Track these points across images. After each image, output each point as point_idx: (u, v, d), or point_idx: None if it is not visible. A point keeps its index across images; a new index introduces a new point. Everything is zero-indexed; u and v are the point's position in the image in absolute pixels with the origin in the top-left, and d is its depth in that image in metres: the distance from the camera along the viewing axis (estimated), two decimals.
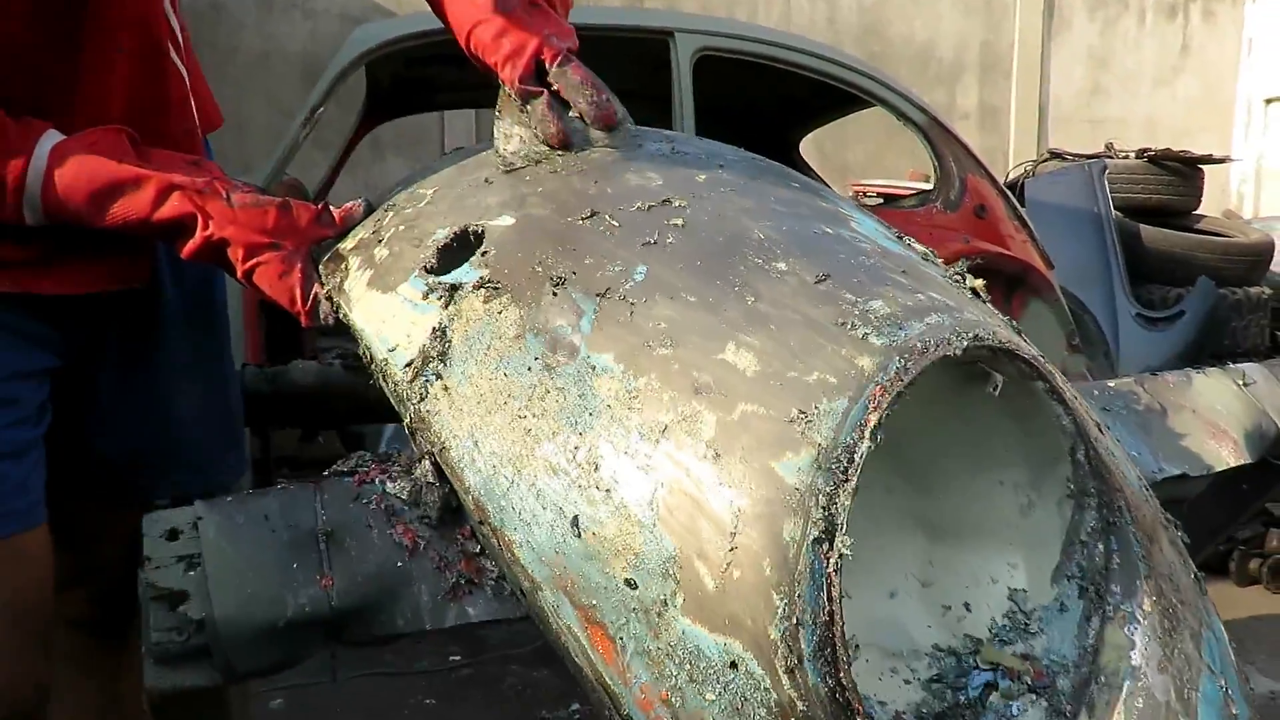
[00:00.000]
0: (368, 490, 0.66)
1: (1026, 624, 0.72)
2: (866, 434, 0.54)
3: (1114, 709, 0.67)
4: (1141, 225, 5.04)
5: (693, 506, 0.55)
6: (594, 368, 0.62)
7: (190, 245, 0.90)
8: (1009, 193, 3.40)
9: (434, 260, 0.78)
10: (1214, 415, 0.97)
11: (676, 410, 0.58)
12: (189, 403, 1.18)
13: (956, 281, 0.79)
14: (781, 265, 0.65)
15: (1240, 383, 1.03)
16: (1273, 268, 5.30)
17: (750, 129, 3.89)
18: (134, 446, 1.13)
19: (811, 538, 0.52)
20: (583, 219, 0.73)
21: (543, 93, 0.91)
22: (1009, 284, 3.40)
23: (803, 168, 3.98)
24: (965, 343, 0.60)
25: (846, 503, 0.53)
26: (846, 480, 0.53)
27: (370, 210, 0.96)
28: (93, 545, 1.15)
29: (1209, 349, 4.75)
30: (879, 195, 7.21)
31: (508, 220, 0.77)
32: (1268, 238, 5.31)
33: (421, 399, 0.68)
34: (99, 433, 1.10)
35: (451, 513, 0.66)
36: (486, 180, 0.87)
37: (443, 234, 0.80)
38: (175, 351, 1.15)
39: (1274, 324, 5.16)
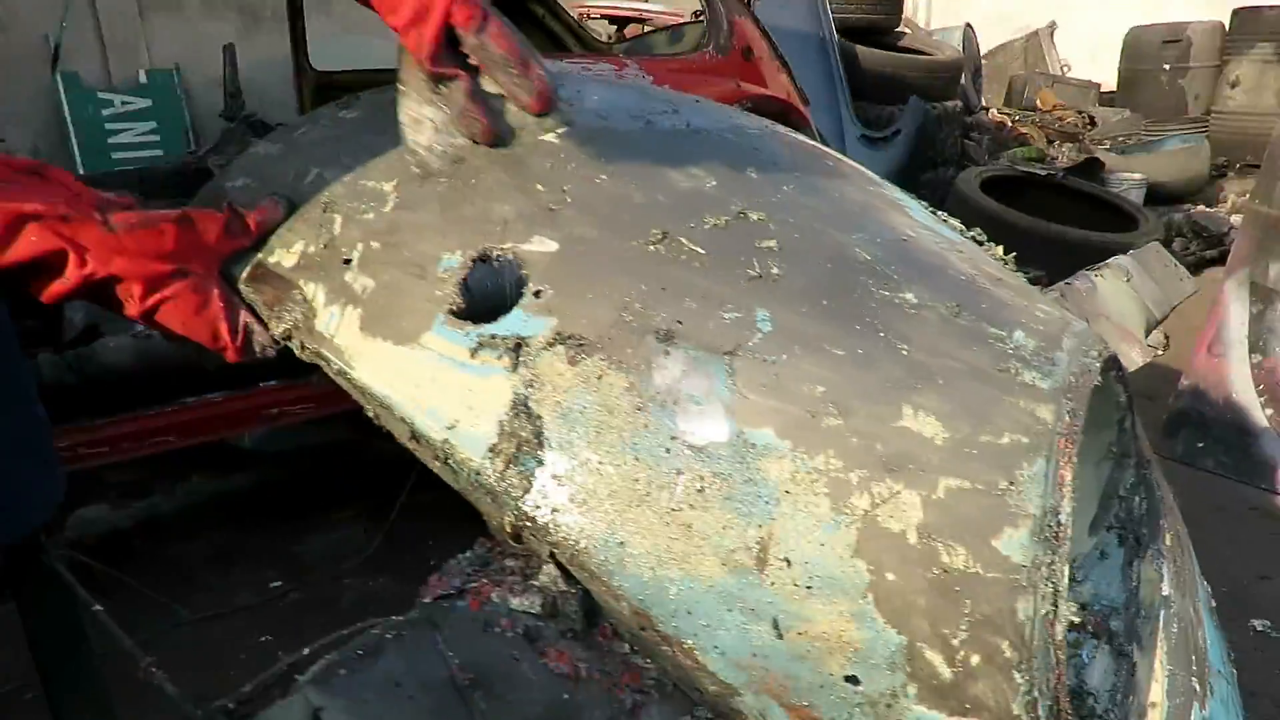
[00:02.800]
0: (491, 613, 0.56)
1: (1073, 574, 0.79)
2: (1067, 493, 0.54)
3: (1156, 637, 0.76)
4: (858, 46, 5.36)
5: (915, 594, 0.53)
6: (754, 446, 0.56)
7: (59, 288, 0.68)
8: (769, 33, 3.43)
9: (460, 300, 0.64)
10: (1121, 319, 1.09)
11: (872, 491, 0.54)
12: None
13: (984, 247, 0.79)
14: (909, 296, 0.61)
15: (1126, 280, 1.15)
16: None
17: None
18: None
19: (1042, 613, 0.52)
20: (653, 244, 0.63)
21: (460, 77, 0.73)
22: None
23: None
24: (1101, 366, 0.61)
25: (1064, 568, 0.53)
26: (1061, 545, 0.53)
27: (292, 209, 0.77)
28: None
29: (918, 162, 5.28)
30: (604, 16, 6.99)
31: (549, 244, 0.65)
32: (959, 53, 5.87)
33: (525, 492, 0.58)
34: None
35: (591, 615, 0.58)
36: (474, 175, 0.71)
37: (455, 261, 0.66)
38: None
39: (963, 134, 5.82)
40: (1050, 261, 4.23)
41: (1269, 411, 2.80)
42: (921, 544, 0.53)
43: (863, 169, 0.78)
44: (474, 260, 0.66)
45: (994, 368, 0.58)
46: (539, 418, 0.59)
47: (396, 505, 2.79)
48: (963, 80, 6.10)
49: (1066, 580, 0.53)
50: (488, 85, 0.75)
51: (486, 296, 0.64)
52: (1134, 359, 1.07)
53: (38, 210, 0.65)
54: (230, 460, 2.88)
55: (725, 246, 0.63)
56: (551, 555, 0.58)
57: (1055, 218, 4.52)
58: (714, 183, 0.68)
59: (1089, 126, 7.25)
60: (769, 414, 0.56)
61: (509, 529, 0.60)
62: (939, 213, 0.79)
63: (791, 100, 3.48)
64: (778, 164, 0.72)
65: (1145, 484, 0.78)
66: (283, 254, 0.74)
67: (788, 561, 0.54)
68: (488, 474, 0.59)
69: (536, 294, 0.63)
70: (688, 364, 0.58)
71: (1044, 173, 4.98)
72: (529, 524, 0.58)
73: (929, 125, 5.19)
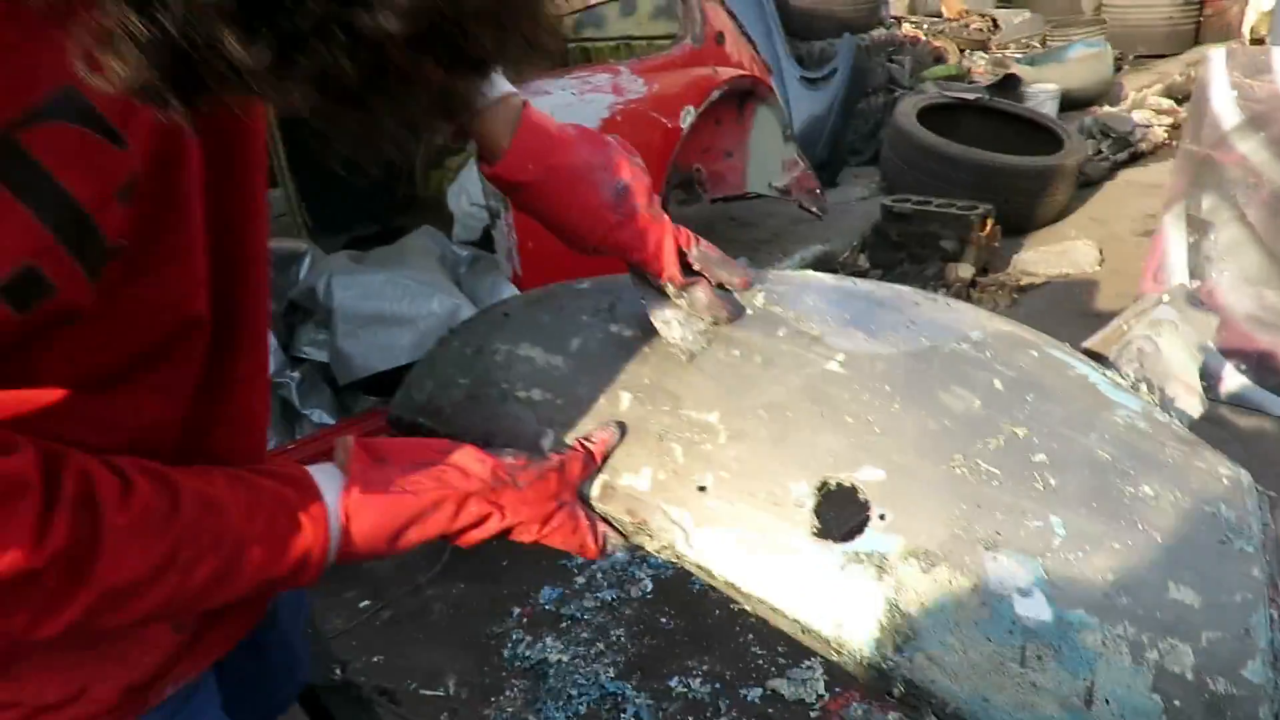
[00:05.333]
0: None
1: None
2: (1278, 627, 0.81)
3: None
4: None
5: (1194, 714, 0.80)
6: (1071, 623, 0.81)
7: (479, 536, 0.88)
8: (732, 10, 3.55)
9: (818, 524, 0.87)
10: (1183, 373, 1.37)
11: (1159, 647, 0.80)
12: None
13: (1137, 389, 1.05)
14: (1147, 489, 0.86)
15: (1176, 332, 1.43)
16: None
17: None
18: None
19: (1274, 713, 0.80)
20: (958, 468, 0.86)
21: (700, 282, 1.01)
22: (742, 98, 3.67)
23: None
24: (1270, 512, 0.88)
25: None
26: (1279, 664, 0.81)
27: (623, 432, 0.97)
28: None
29: (853, 96, 5.50)
30: None
31: (877, 473, 0.87)
32: None
33: (909, 671, 0.82)
34: None
35: None
36: (788, 409, 0.92)
37: (804, 489, 0.88)
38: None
39: (887, 58, 6.05)
40: (988, 188, 4.56)
41: None
42: (1195, 679, 0.80)
43: (1056, 349, 1.02)
44: (819, 489, 0.88)
45: (1217, 541, 0.84)
46: (909, 615, 0.83)
47: None
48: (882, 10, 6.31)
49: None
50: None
51: (840, 519, 0.87)
52: (1197, 408, 1.35)
53: (476, 489, 0.84)
54: None
55: (1010, 464, 0.87)
56: (930, 709, 0.83)
57: (985, 140, 4.85)
58: (978, 403, 0.91)
59: (994, 30, 7.57)
60: (1078, 599, 0.81)
61: (895, 694, 0.84)
62: (1108, 373, 1.03)
63: (758, 74, 3.64)
64: (1009, 367, 0.95)
65: None
66: (632, 477, 0.94)
67: (1107, 700, 0.80)
68: (876, 659, 0.83)
69: (881, 517, 0.86)
70: (1012, 566, 0.82)
71: (973, 97, 5.28)
72: (914, 690, 0.83)
73: (861, 60, 5.40)
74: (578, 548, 0.93)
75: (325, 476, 0.78)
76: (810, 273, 1.09)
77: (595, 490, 0.95)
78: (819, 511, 0.87)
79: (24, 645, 0.69)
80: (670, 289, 1.00)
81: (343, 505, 0.77)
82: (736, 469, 0.91)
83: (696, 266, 1.01)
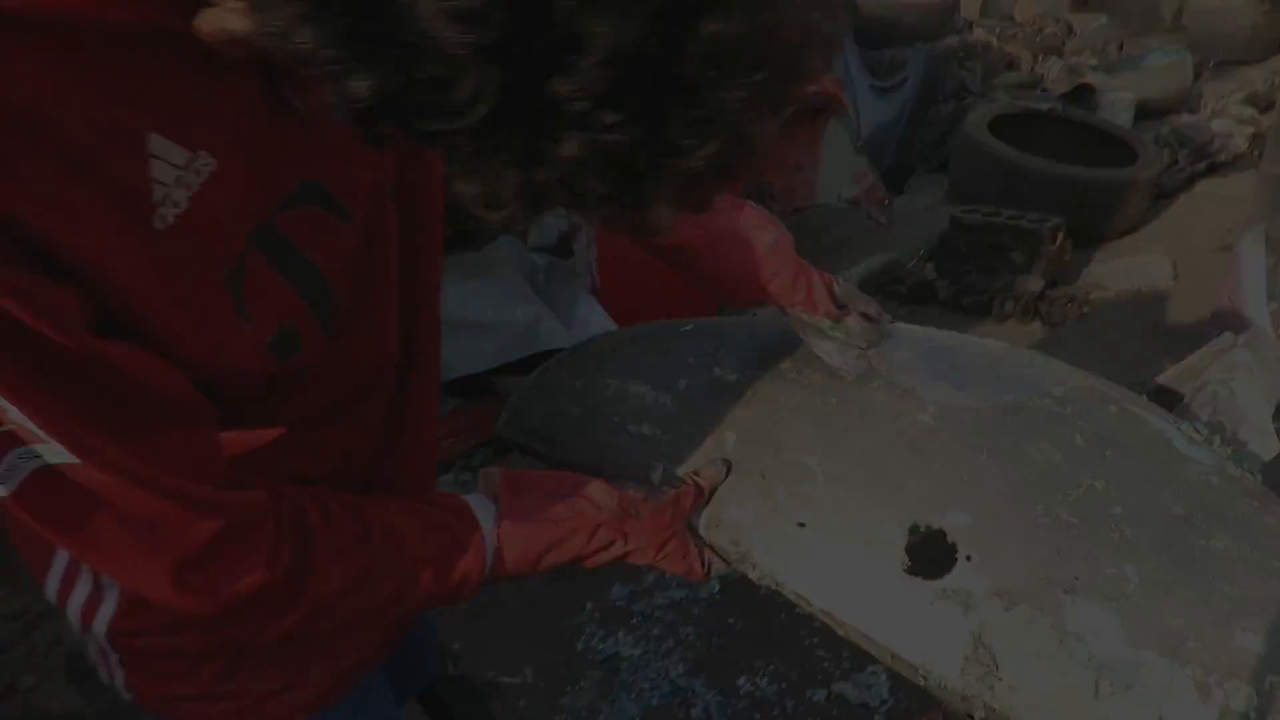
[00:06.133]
0: None
1: None
2: None
3: None
4: None
5: None
6: (1144, 663, 0.89)
7: (604, 559, 0.99)
8: None
9: (909, 561, 0.96)
10: (1257, 416, 1.42)
11: (1225, 688, 0.88)
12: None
13: (1210, 443, 1.12)
14: (1217, 543, 0.94)
15: (1251, 376, 1.48)
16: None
17: None
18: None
19: None
20: (1039, 517, 0.95)
21: (852, 312, 1.13)
22: (814, 113, 3.73)
23: None
24: None
25: None
26: None
27: (728, 469, 1.07)
28: None
29: (923, 103, 5.50)
30: None
31: (964, 518, 0.96)
32: None
33: (992, 695, 0.91)
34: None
35: None
36: (880, 457, 1.02)
37: (895, 531, 0.97)
38: None
39: (958, 64, 6.03)
40: (1059, 200, 4.53)
41: None
42: (1258, 718, 0.88)
43: (1134, 404, 1.09)
44: (911, 531, 0.97)
45: None
46: (991, 649, 0.92)
47: None
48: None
49: None
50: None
51: (930, 559, 0.96)
52: (1270, 450, 1.41)
53: (605, 519, 0.95)
54: None
55: (1088, 515, 0.95)
56: None
57: (1057, 150, 4.82)
58: (1060, 457, 0.99)
59: (1068, 36, 7.45)
60: (1150, 641, 0.89)
61: (976, 717, 0.93)
62: (1183, 427, 1.10)
63: (831, 90, 3.70)
64: (1089, 422, 1.03)
65: None
66: (737, 511, 1.05)
67: None
68: (960, 686, 0.92)
69: (968, 558, 0.95)
70: (1088, 608, 0.91)
71: (1045, 107, 5.24)
72: (994, 716, 0.92)
73: (932, 68, 5.40)
74: (686, 571, 1.04)
75: (479, 506, 0.90)
76: (903, 325, 1.19)
77: (703, 521, 1.06)
78: (910, 551, 0.97)
79: (249, 648, 0.83)
80: (826, 324, 1.12)
81: (496, 533, 0.89)
82: (834, 509, 1.01)
83: (843, 301, 1.14)
